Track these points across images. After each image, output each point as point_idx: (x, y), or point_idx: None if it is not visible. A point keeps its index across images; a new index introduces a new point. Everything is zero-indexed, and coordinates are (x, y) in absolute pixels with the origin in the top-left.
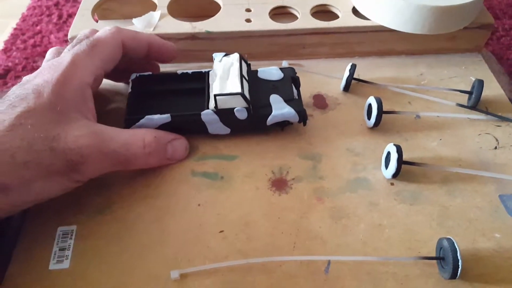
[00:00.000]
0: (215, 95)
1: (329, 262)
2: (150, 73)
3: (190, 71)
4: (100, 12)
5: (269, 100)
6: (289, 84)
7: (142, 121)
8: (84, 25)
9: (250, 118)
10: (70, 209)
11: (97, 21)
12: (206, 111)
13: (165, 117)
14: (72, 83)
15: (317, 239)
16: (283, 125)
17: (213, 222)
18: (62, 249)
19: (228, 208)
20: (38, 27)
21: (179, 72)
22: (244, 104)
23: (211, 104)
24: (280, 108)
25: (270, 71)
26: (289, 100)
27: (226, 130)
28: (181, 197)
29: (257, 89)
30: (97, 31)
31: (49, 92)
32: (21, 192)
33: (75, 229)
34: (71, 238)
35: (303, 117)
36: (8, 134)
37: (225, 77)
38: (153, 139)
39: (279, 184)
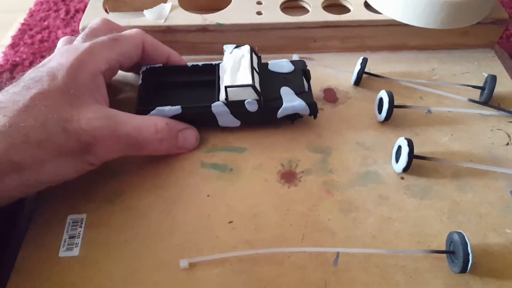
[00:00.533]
0: (225, 87)
1: (338, 254)
2: (161, 64)
3: (200, 63)
4: (112, 4)
5: (279, 93)
6: (300, 77)
7: (153, 112)
8: (96, 17)
9: (261, 110)
10: (80, 198)
11: (108, 13)
12: (216, 103)
13: (176, 109)
14: (85, 68)
15: (326, 232)
16: (293, 118)
17: (222, 213)
18: (72, 237)
19: (237, 199)
20: (46, 23)
21: (189, 64)
22: (255, 96)
23: (222, 96)
24: (290, 101)
25: (281, 64)
26: (300, 93)
27: (236, 123)
28: (190, 188)
29: (268, 82)
30: (109, 20)
31: (63, 75)
32: (34, 171)
33: (85, 217)
34: (80, 226)
35: (313, 110)
36: (22, 114)
37: (236, 69)
38: (165, 125)
39: (288, 176)
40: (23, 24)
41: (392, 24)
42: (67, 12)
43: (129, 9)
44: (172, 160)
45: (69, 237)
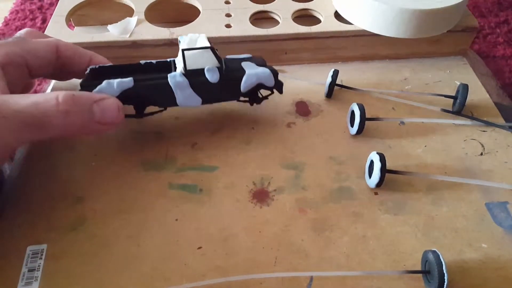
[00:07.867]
0: (183, 50)
1: (311, 278)
2: (110, 64)
3: (154, 61)
4: (76, 18)
5: (241, 65)
6: (260, 59)
7: (101, 86)
8: (58, 32)
9: (223, 82)
10: (40, 226)
11: (73, 28)
12: (173, 73)
13: (127, 81)
14: None
15: (300, 253)
16: (259, 100)
17: (191, 238)
18: (31, 270)
19: (207, 222)
20: None
21: (142, 62)
22: (215, 62)
23: (179, 68)
24: (253, 68)
25: (238, 56)
26: (261, 65)
27: (197, 100)
28: (157, 212)
29: (228, 64)
30: (36, 30)
31: None
32: None
33: (46, 248)
34: (41, 258)
35: (278, 81)
36: None
37: (193, 44)
38: (70, 96)
39: (261, 195)
40: None
41: (363, 34)
42: (44, 21)
43: (95, 23)
44: (138, 182)
45: (28, 270)
